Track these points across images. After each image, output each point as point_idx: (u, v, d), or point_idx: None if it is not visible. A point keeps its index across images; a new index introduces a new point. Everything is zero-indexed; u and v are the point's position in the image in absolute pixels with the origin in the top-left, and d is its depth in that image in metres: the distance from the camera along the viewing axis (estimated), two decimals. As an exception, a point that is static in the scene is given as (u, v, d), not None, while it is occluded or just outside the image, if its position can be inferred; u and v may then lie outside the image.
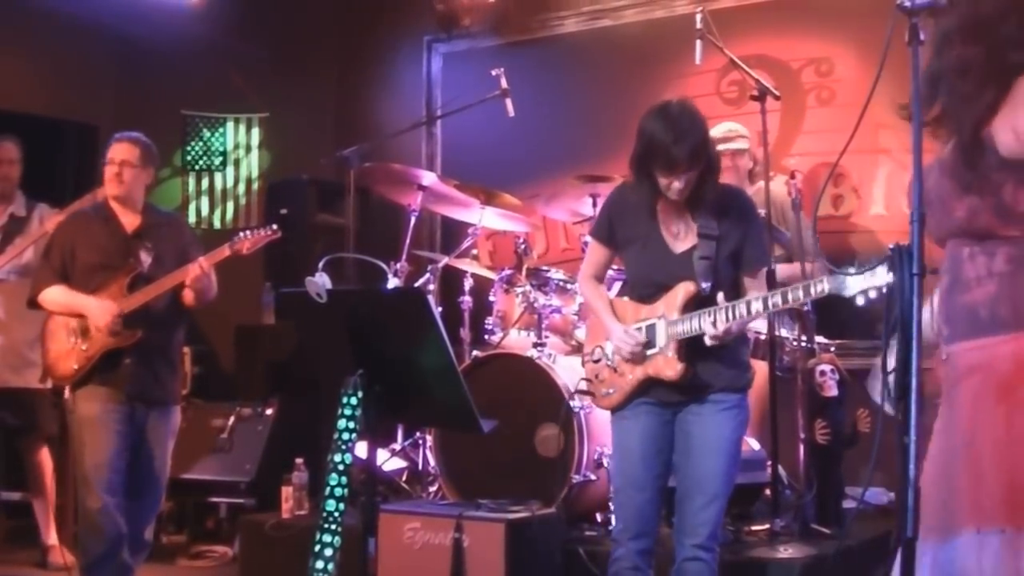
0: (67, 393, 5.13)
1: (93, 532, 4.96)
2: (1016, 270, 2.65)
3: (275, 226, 5.23)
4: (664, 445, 4.06)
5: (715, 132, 6.14)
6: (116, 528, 4.95)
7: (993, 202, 2.65)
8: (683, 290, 3.98)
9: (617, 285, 5.36)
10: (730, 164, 6.02)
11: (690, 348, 3.95)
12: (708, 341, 3.85)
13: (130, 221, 5.23)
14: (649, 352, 4.02)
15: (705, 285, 3.95)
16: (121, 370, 5.03)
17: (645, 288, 4.11)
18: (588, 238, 4.44)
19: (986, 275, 2.67)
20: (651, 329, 4.03)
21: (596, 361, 4.23)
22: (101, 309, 4.98)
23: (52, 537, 6.36)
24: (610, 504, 5.17)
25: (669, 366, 3.97)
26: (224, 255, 5.06)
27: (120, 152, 5.21)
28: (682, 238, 4.08)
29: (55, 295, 5.13)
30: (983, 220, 2.67)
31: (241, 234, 5.13)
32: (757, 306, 3.79)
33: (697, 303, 3.95)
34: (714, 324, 3.82)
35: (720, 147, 6.01)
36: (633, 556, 4.02)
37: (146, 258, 5.14)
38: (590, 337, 4.36)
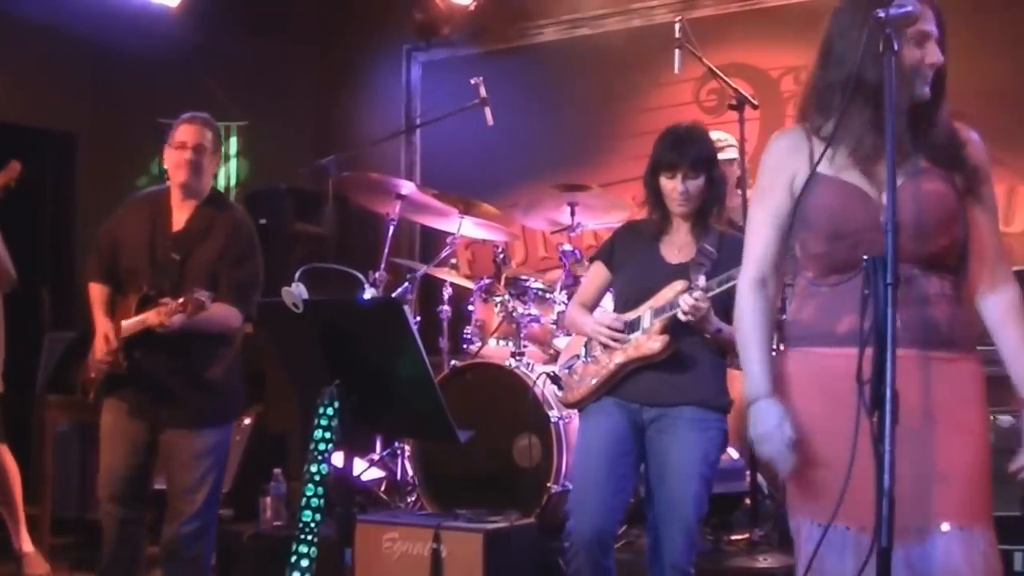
0: (91, 397, 4.86)
1: (105, 542, 4.84)
2: (958, 296, 2.84)
3: (205, 295, 4.51)
4: (630, 448, 4.03)
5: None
6: (123, 536, 4.83)
7: (964, 235, 2.83)
8: (675, 286, 3.99)
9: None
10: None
11: (674, 336, 3.96)
12: (681, 316, 3.86)
13: (180, 218, 4.83)
14: (631, 336, 4.04)
15: (698, 283, 3.95)
16: (130, 389, 4.77)
17: (632, 294, 4.13)
18: (589, 263, 4.49)
19: (941, 294, 2.80)
20: (635, 321, 4.06)
21: (569, 368, 4.27)
22: (100, 341, 4.71)
23: (26, 544, 6.23)
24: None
25: (652, 340, 3.98)
26: (179, 309, 4.49)
27: (199, 136, 4.81)
28: (680, 254, 4.14)
29: (92, 296, 4.88)
30: (956, 251, 2.84)
31: (197, 291, 4.50)
32: (734, 274, 3.82)
33: None
34: (691, 294, 3.85)
35: None
36: (596, 555, 3.94)
37: (166, 274, 4.72)
38: (565, 355, 4.42)
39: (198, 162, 4.80)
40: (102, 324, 4.76)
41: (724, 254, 4.06)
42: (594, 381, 4.11)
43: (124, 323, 4.73)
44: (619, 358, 4.05)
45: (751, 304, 2.97)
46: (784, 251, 2.98)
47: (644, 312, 4.04)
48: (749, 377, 2.95)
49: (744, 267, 3.01)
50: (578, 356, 4.27)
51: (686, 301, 3.85)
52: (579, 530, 3.96)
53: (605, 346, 4.11)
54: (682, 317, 3.87)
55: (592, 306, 4.36)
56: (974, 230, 2.87)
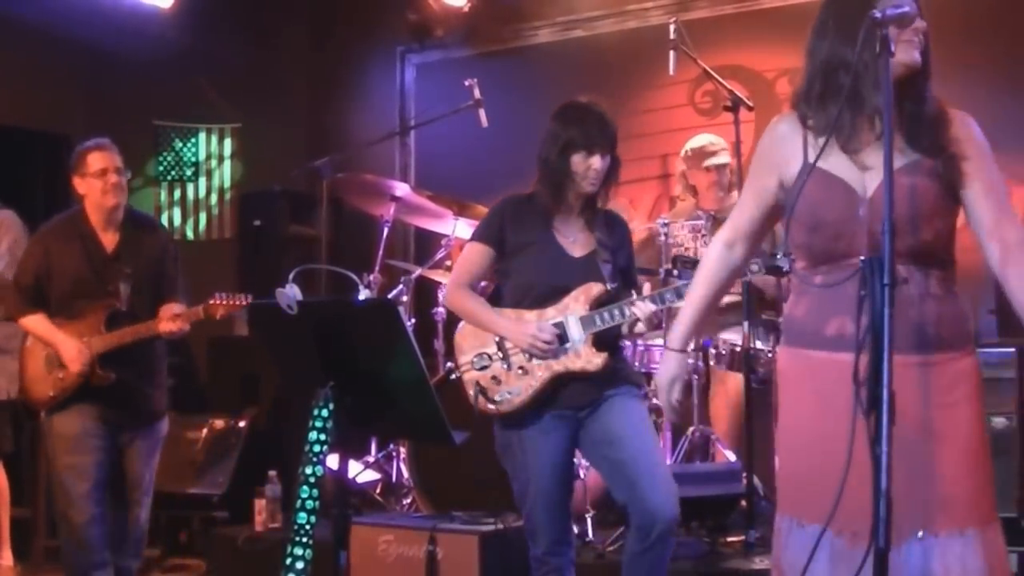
0: (42, 416, 5.09)
1: (79, 546, 4.96)
2: (947, 294, 2.83)
3: (249, 297, 5.06)
4: (570, 458, 4.13)
5: (695, 144, 6.15)
6: (102, 539, 4.98)
7: (951, 228, 2.85)
8: (593, 288, 4.02)
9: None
10: (715, 179, 6.01)
11: (608, 348, 4.01)
12: (640, 327, 3.95)
13: (110, 238, 5.09)
14: (563, 347, 4.00)
15: (612, 286, 4.02)
16: (98, 396, 4.97)
17: (540, 291, 4.07)
18: (470, 243, 4.29)
19: (926, 294, 2.80)
20: (559, 327, 4.01)
21: (483, 368, 4.10)
22: (73, 353, 4.92)
23: (7, 557, 6.21)
24: (588, 517, 5.17)
25: (590, 358, 3.98)
26: (198, 316, 4.97)
27: (115, 160, 5.08)
28: (578, 245, 4.12)
29: (33, 324, 5.07)
30: (942, 245, 2.84)
31: (217, 296, 5.00)
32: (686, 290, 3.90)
33: (602, 303, 4.00)
34: (643, 308, 3.91)
35: (706, 162, 6.02)
36: (564, 571, 4.06)
37: (124, 289, 5.02)
38: (466, 347, 4.17)
39: (123, 184, 5.11)
40: (67, 342, 4.95)
41: (616, 239, 4.16)
42: (526, 394, 4.02)
43: (120, 332, 4.96)
44: (556, 368, 4.00)
45: (712, 260, 3.18)
46: (763, 229, 3.13)
47: (568, 319, 4.01)
48: (675, 324, 3.25)
49: (722, 228, 3.18)
50: (488, 355, 4.10)
51: (643, 312, 3.92)
52: (545, 559, 4.05)
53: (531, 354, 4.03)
54: (641, 328, 3.98)
55: (475, 288, 4.28)
56: (970, 207, 2.84)
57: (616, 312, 3.96)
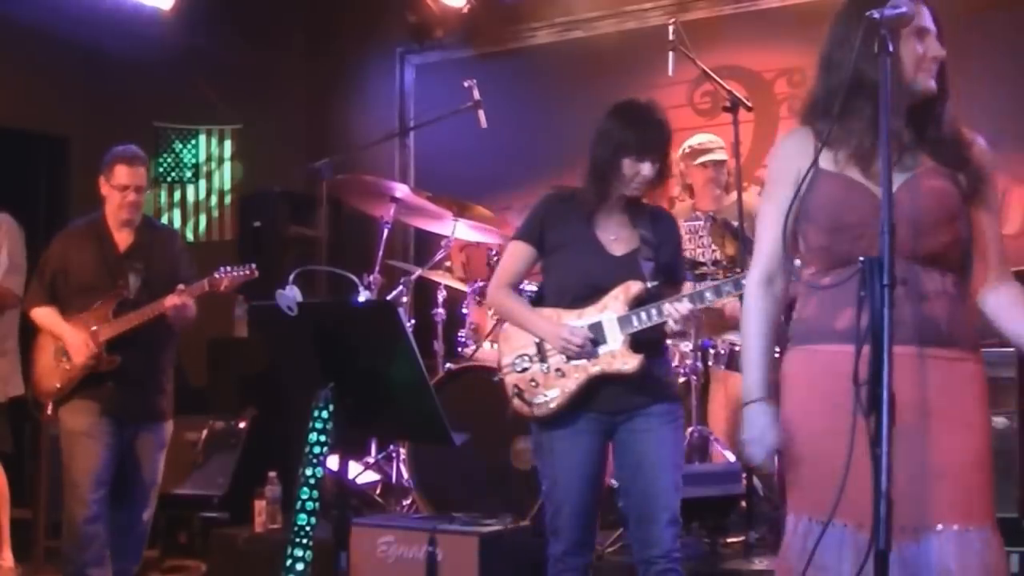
0: (48, 409, 5.22)
1: (79, 541, 5.04)
2: (960, 295, 2.85)
3: (253, 265, 5.26)
4: (603, 461, 4.06)
5: (693, 142, 6.17)
6: (102, 537, 5.06)
7: (969, 234, 2.86)
8: (632, 287, 3.95)
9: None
10: (712, 176, 6.02)
11: (643, 350, 3.94)
12: (672, 326, 3.87)
13: (124, 239, 5.30)
14: (598, 349, 3.95)
15: (652, 284, 3.94)
16: (104, 389, 5.13)
17: (579, 291, 4.02)
18: (511, 241, 4.24)
19: (942, 291, 2.81)
20: (596, 327, 3.96)
21: (523, 371, 4.07)
22: (77, 343, 5.09)
23: (7, 558, 6.24)
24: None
25: (625, 359, 3.92)
26: (203, 290, 5.11)
27: (138, 177, 5.27)
28: (620, 242, 4.06)
29: (43, 316, 5.27)
30: (960, 249, 2.85)
31: (221, 270, 5.17)
32: (727, 288, 3.91)
33: (642, 302, 3.94)
34: (679, 308, 3.84)
35: (702, 158, 6.04)
36: (583, 570, 4.05)
37: (134, 282, 5.22)
38: (507, 349, 4.15)
39: (140, 202, 5.32)
40: (72, 333, 5.14)
41: (660, 235, 4.07)
42: (563, 396, 3.99)
43: (126, 317, 5.10)
44: (592, 371, 3.96)
45: (757, 304, 3.00)
46: (794, 246, 2.99)
47: (605, 319, 3.95)
48: (746, 378, 2.98)
49: (753, 264, 3.03)
50: (528, 356, 4.07)
51: (679, 312, 3.84)
52: (564, 558, 4.03)
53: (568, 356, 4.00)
54: (674, 327, 3.89)
55: (516, 288, 4.25)
56: (976, 230, 2.89)
57: (653, 312, 3.88)
